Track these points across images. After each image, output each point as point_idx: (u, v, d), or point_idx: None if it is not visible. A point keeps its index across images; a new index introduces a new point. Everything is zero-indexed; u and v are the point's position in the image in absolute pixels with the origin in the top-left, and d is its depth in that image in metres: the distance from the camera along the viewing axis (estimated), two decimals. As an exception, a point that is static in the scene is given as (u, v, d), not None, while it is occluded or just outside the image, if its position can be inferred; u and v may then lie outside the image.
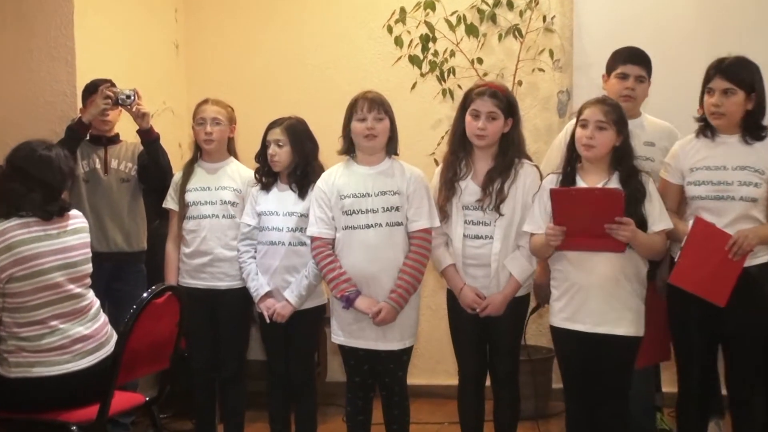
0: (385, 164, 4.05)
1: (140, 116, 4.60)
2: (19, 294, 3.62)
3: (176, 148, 5.54)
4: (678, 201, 4.00)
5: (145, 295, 3.72)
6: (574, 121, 3.93)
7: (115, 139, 4.83)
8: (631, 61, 4.31)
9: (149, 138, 4.65)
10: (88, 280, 3.81)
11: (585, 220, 3.67)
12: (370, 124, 3.96)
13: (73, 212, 3.84)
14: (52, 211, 3.70)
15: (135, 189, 4.81)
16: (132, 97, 4.57)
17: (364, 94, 4.02)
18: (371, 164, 4.04)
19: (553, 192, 3.72)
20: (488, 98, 3.95)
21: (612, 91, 4.28)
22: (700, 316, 3.82)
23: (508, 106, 3.97)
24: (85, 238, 3.83)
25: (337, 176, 4.06)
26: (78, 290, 3.74)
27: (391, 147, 4.06)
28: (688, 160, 3.93)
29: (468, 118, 3.98)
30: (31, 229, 3.65)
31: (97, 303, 3.84)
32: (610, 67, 4.36)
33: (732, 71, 3.82)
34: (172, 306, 3.88)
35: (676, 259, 3.84)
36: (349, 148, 4.07)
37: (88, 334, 3.73)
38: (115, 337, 3.79)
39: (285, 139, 4.27)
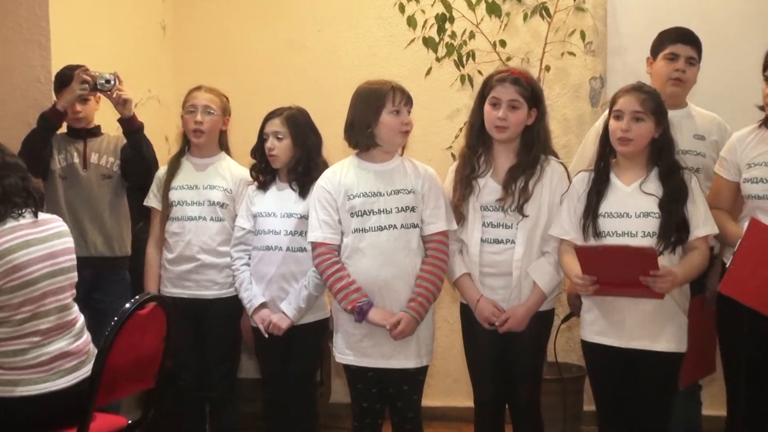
0: (395, 161, 4.03)
1: (121, 103, 4.57)
2: (4, 308, 3.56)
3: (162, 142, 5.53)
4: (733, 200, 3.97)
5: (127, 305, 3.70)
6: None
7: (95, 132, 4.81)
8: (681, 40, 4.29)
9: (132, 127, 4.62)
10: (74, 291, 3.80)
11: (616, 273, 3.65)
12: (407, 119, 3.96)
13: (50, 216, 3.82)
14: (35, 196, 3.70)
15: (118, 186, 4.78)
16: (112, 82, 4.55)
17: (392, 84, 3.98)
18: (382, 161, 4.02)
19: (577, 251, 3.70)
20: (510, 84, 3.92)
21: (659, 75, 4.26)
22: (753, 330, 3.79)
23: (532, 94, 3.94)
24: (69, 242, 3.81)
25: (343, 174, 4.03)
26: (65, 301, 3.72)
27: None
28: (746, 155, 3.91)
29: (487, 107, 3.95)
30: (18, 234, 3.61)
31: (82, 318, 3.82)
32: (657, 47, 4.34)
33: None
34: (158, 318, 3.86)
35: (727, 266, 3.80)
36: (366, 142, 4.00)
37: (71, 350, 3.71)
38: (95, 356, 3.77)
39: (285, 131, 4.25)
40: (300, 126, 4.28)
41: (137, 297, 3.76)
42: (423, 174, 4.00)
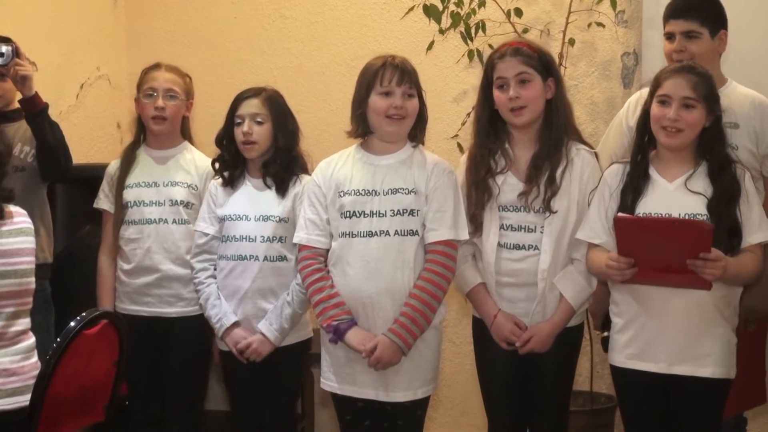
0: (404, 153, 4.00)
1: (19, 80, 4.45)
2: None
3: (114, 129, 5.55)
4: None
5: (72, 323, 3.69)
6: (640, 93, 3.91)
7: (12, 116, 4.73)
8: (674, 15, 4.31)
9: (33, 109, 4.48)
10: (30, 300, 3.80)
11: (659, 253, 3.63)
12: (399, 102, 3.91)
13: (17, 209, 3.84)
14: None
15: (34, 180, 4.67)
16: (7, 56, 4.50)
17: (387, 59, 3.96)
18: (386, 153, 4.00)
19: (618, 221, 3.68)
20: (511, 57, 3.92)
21: (666, 58, 4.29)
22: None
23: (541, 63, 3.94)
24: (31, 243, 3.82)
25: (338, 166, 4.02)
26: (17, 308, 3.72)
27: (414, 131, 4.00)
28: None
29: (496, 92, 3.94)
30: None
31: (33, 337, 3.83)
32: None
33: None
34: (109, 339, 3.87)
35: None
36: (361, 130, 4.00)
37: (13, 369, 3.71)
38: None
39: (266, 113, 4.23)
40: (281, 108, 4.27)
41: (84, 314, 3.76)
42: (431, 169, 3.95)
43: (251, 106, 4.24)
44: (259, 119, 4.22)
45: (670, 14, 4.31)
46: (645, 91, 3.95)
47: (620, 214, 3.73)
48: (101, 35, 5.89)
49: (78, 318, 3.73)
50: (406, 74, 3.92)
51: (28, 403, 3.70)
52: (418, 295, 3.88)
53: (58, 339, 3.66)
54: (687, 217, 3.67)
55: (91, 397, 3.89)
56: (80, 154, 5.34)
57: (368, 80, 3.93)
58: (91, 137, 5.77)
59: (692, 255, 3.56)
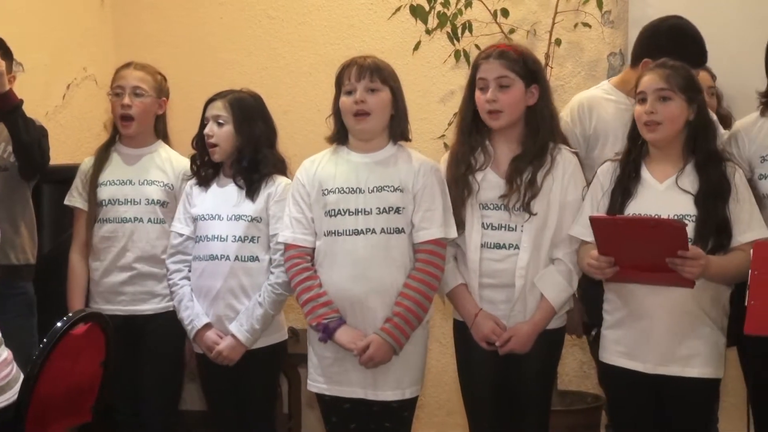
0: (387, 151, 4.01)
1: None
2: None
3: (100, 130, 5.48)
4: None
5: (59, 324, 3.68)
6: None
7: None
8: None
9: (6, 106, 4.37)
10: None
11: (639, 252, 3.64)
12: (360, 96, 3.92)
13: None
14: None
15: (16, 180, 4.61)
16: None
17: (356, 58, 3.98)
18: (368, 151, 4.01)
19: (593, 221, 3.68)
20: (494, 60, 3.92)
21: None
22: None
23: (526, 69, 3.93)
24: None
25: (321, 165, 4.03)
26: None
27: (395, 129, 4.01)
28: (756, 146, 3.93)
29: (477, 93, 3.95)
30: None
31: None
32: None
33: None
34: (95, 339, 3.85)
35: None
36: (340, 133, 4.03)
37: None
38: (20, 380, 3.76)
39: (227, 115, 4.23)
40: (246, 111, 4.26)
41: (71, 314, 3.75)
42: (417, 168, 3.96)
43: (214, 108, 4.26)
44: (220, 121, 4.23)
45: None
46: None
47: (594, 214, 3.75)
48: (88, 35, 5.89)
49: (65, 318, 3.71)
50: (366, 69, 3.92)
51: (6, 404, 3.69)
52: (409, 294, 3.89)
53: (45, 339, 3.65)
54: (675, 218, 3.66)
55: (78, 397, 3.88)
56: (67, 155, 5.35)
57: (337, 82, 3.97)
58: (77, 137, 5.76)
59: (671, 253, 3.56)
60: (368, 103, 3.91)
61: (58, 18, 5.56)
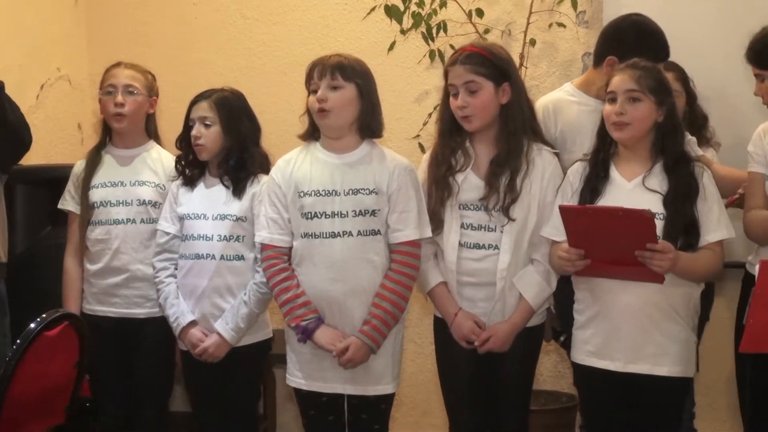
0: (360, 151, 4.01)
1: None
2: None
3: (74, 130, 5.53)
4: None
5: (32, 325, 3.68)
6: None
7: None
8: None
9: None
10: None
11: (608, 244, 3.65)
12: (320, 95, 3.91)
13: None
14: None
15: None
16: None
17: (322, 57, 3.99)
18: (341, 151, 4.01)
19: (563, 210, 3.70)
20: (460, 65, 3.93)
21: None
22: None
23: (494, 68, 3.93)
24: None
25: (297, 165, 4.03)
26: None
27: (365, 127, 4.00)
28: None
29: (450, 99, 3.97)
30: None
31: None
32: None
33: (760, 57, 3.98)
34: (69, 340, 3.85)
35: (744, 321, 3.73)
36: (311, 131, 4.04)
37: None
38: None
39: (214, 116, 4.23)
40: (233, 110, 4.26)
41: (44, 315, 3.75)
42: (392, 169, 3.97)
43: (200, 109, 4.25)
44: (207, 122, 4.23)
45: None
46: None
47: (564, 203, 3.76)
48: (62, 36, 5.87)
49: (38, 319, 3.71)
50: (328, 68, 3.92)
51: None
52: (386, 296, 3.91)
53: (18, 341, 3.65)
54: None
55: (52, 399, 3.87)
56: (40, 155, 5.33)
57: (305, 81, 3.98)
58: (51, 138, 5.73)
59: (640, 246, 3.58)
60: (329, 101, 3.91)
61: (31, 18, 5.54)
